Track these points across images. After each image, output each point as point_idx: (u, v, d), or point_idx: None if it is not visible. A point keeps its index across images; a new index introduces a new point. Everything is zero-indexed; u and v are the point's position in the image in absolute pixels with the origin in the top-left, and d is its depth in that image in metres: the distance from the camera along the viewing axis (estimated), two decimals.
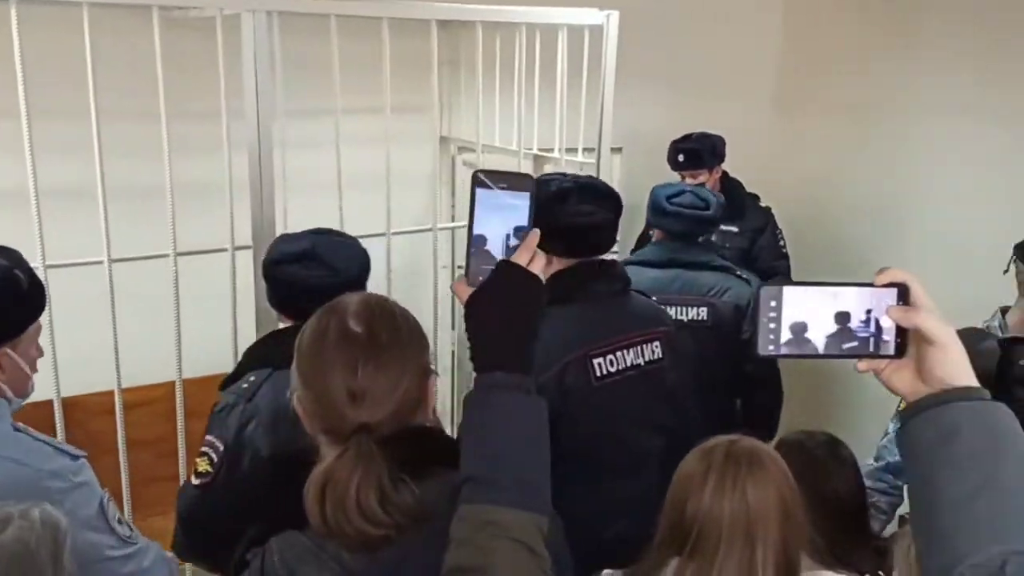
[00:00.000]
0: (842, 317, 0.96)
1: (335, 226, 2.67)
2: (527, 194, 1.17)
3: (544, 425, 1.11)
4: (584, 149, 3.14)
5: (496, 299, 1.12)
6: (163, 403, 2.92)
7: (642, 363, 2.27)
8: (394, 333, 1.22)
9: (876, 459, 2.61)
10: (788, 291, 0.95)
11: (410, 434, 1.22)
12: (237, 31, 2.45)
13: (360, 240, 2.68)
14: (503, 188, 1.16)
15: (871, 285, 0.96)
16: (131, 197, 2.66)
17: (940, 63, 3.94)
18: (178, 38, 2.69)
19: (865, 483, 2.16)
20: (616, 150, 3.58)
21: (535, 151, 3.24)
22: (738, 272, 2.97)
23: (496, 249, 1.16)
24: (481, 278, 1.14)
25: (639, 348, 2.26)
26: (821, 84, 4.46)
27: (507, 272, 1.13)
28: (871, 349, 0.96)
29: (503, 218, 1.16)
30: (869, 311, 0.96)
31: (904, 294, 0.95)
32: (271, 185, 2.58)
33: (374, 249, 2.35)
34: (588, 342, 2.17)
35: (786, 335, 0.96)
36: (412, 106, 3.18)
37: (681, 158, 3.68)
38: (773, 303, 0.95)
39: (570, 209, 2.15)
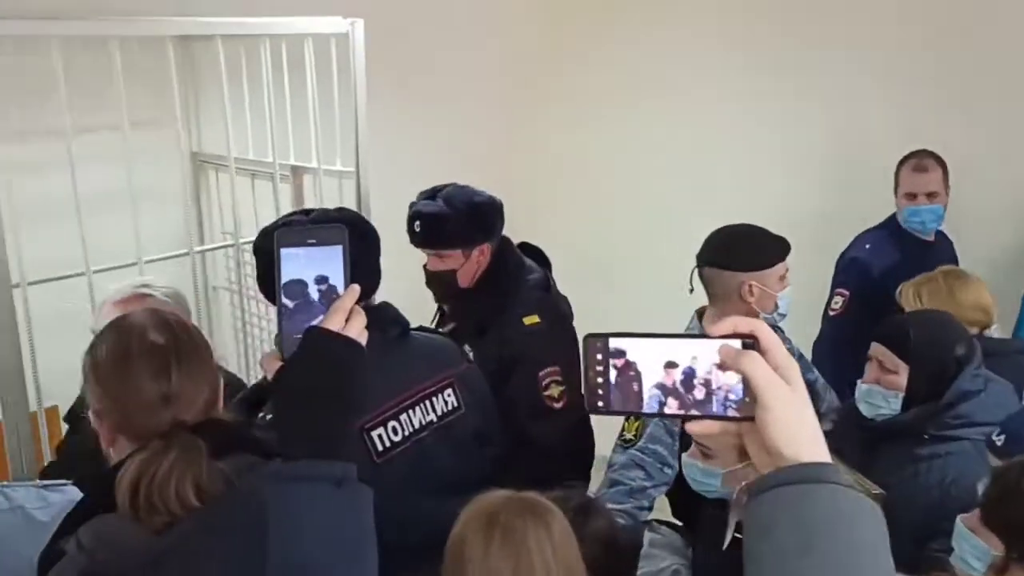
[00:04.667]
0: (675, 371, 0.83)
1: (79, 256, 2.52)
2: (339, 247, 1.06)
3: (366, 513, 1.09)
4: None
5: (300, 374, 1.04)
6: None
7: (435, 419, 1.93)
8: (191, 340, 1.33)
9: (611, 484, 2.29)
10: (614, 342, 0.84)
11: (213, 425, 1.30)
12: None
13: (110, 271, 2.55)
14: (311, 244, 1.05)
15: (710, 337, 0.83)
16: None
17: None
18: None
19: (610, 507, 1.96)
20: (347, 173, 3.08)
21: (292, 164, 3.16)
22: None
23: (308, 313, 1.05)
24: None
25: (428, 403, 1.93)
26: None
27: (313, 341, 1.03)
28: (715, 409, 0.82)
29: (314, 277, 1.05)
30: (712, 366, 0.82)
31: (751, 346, 0.82)
32: None
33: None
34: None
35: (616, 390, 0.84)
36: (156, 122, 3.02)
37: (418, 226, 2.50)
38: (599, 356, 0.84)
39: None
